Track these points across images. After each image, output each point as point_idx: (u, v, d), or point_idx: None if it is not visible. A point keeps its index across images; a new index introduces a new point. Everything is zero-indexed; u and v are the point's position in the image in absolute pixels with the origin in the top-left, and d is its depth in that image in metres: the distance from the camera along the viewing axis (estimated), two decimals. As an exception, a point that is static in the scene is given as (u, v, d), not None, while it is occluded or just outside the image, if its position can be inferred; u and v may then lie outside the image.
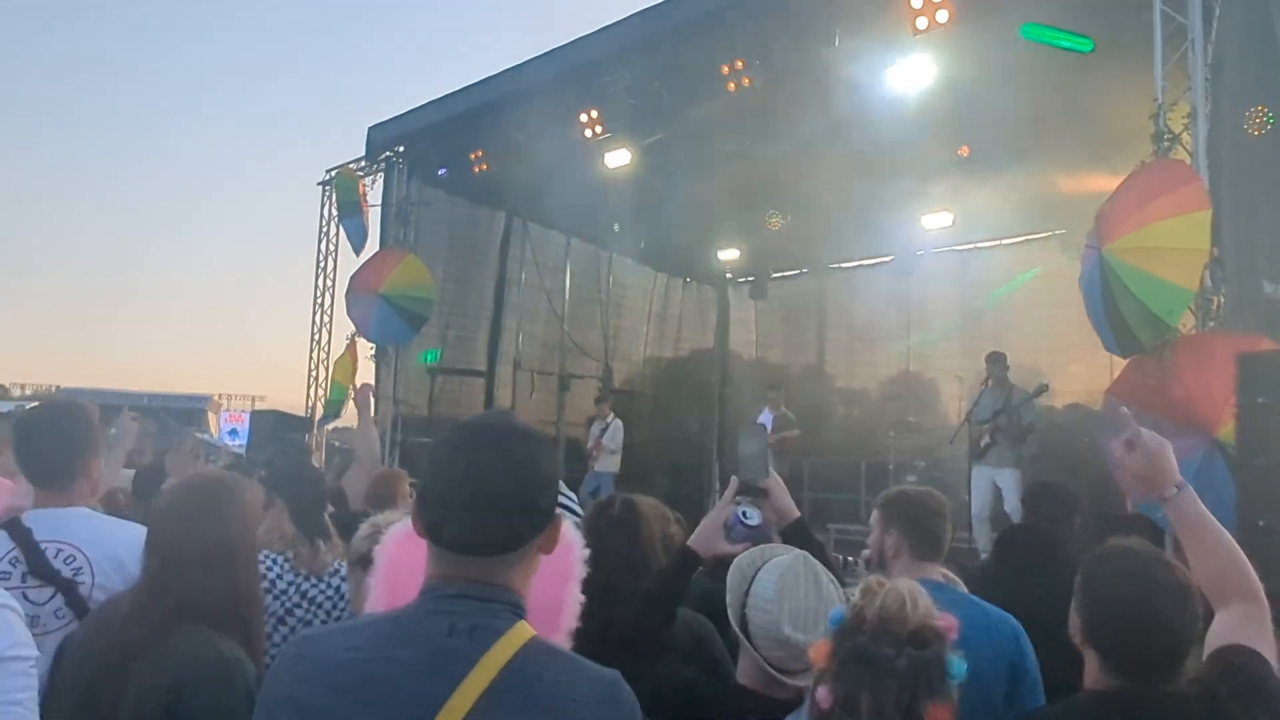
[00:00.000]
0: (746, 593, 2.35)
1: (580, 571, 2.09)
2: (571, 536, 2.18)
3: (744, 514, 3.00)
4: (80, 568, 2.63)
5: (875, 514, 3.27)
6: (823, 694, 1.71)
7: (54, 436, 2.83)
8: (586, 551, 2.18)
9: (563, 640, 1.84)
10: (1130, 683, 2.03)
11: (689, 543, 2.88)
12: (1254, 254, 6.92)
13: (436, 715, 1.41)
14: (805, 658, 2.19)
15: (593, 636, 2.77)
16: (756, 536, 2.89)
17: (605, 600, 2.87)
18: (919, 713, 1.64)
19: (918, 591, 1.76)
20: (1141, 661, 2.02)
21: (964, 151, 11.36)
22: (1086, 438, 9.34)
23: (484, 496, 1.54)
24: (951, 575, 3.24)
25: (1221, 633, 2.09)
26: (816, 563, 2.37)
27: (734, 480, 3.12)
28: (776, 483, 3.09)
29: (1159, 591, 2.00)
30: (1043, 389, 9.85)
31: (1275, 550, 4.42)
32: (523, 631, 1.53)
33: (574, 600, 2.04)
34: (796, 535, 3.03)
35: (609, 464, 12.69)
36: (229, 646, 2.13)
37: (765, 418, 12.01)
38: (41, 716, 2.17)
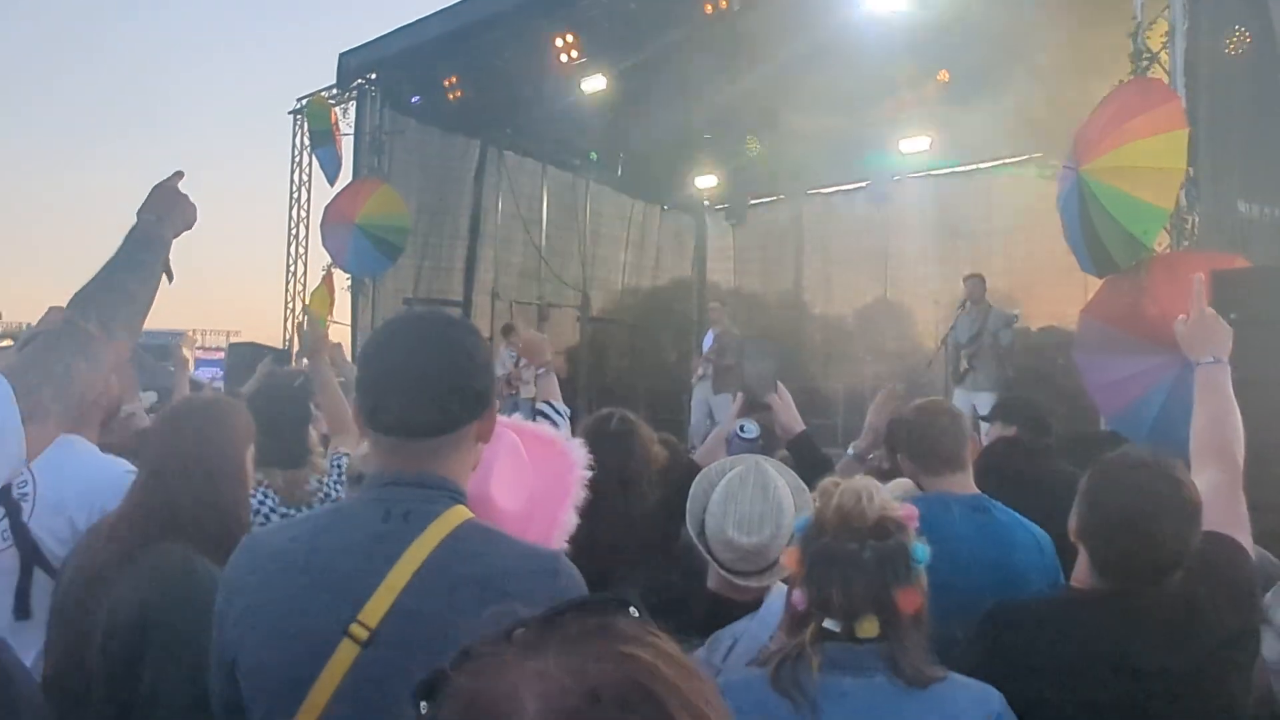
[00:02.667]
0: (708, 499, 2.42)
1: (579, 493, 2.12)
2: (574, 457, 2.21)
3: (741, 428, 3.10)
4: (26, 494, 2.63)
5: None
6: (797, 596, 1.78)
7: None
8: (587, 476, 2.22)
9: None
10: (1117, 585, 2.09)
11: (694, 457, 2.95)
12: (1230, 173, 6.96)
13: (374, 592, 1.47)
14: (754, 560, 2.28)
15: (580, 543, 2.86)
16: (753, 449, 2.97)
17: (593, 509, 2.95)
18: (889, 600, 1.71)
19: (872, 486, 1.83)
20: (1132, 570, 2.07)
21: (943, 77, 11.31)
22: (1060, 358, 9.44)
23: (416, 378, 1.59)
24: None
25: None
26: (769, 470, 2.42)
27: (740, 396, 3.20)
28: (781, 398, 3.15)
29: (1161, 508, 2.02)
30: (1014, 318, 9.96)
31: (1245, 463, 4.49)
32: (459, 514, 1.57)
33: (568, 520, 2.08)
34: (802, 448, 3.11)
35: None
36: (204, 564, 2.14)
37: (709, 339, 11.97)
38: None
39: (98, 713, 2.06)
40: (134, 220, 1.93)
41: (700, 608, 2.37)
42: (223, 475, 2.30)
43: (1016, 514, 2.93)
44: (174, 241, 2.00)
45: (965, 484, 2.96)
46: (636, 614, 0.81)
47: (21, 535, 2.59)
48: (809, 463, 2.95)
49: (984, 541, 2.77)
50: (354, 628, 1.46)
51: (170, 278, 2.01)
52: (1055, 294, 11.51)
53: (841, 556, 1.74)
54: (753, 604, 2.16)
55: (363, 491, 1.65)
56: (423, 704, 0.76)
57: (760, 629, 1.96)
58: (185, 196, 2.03)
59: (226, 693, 1.58)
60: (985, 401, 9.65)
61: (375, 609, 1.46)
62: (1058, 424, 4.79)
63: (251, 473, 2.39)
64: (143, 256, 1.89)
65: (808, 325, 16.39)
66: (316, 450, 3.39)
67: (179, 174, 2.05)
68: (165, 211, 1.97)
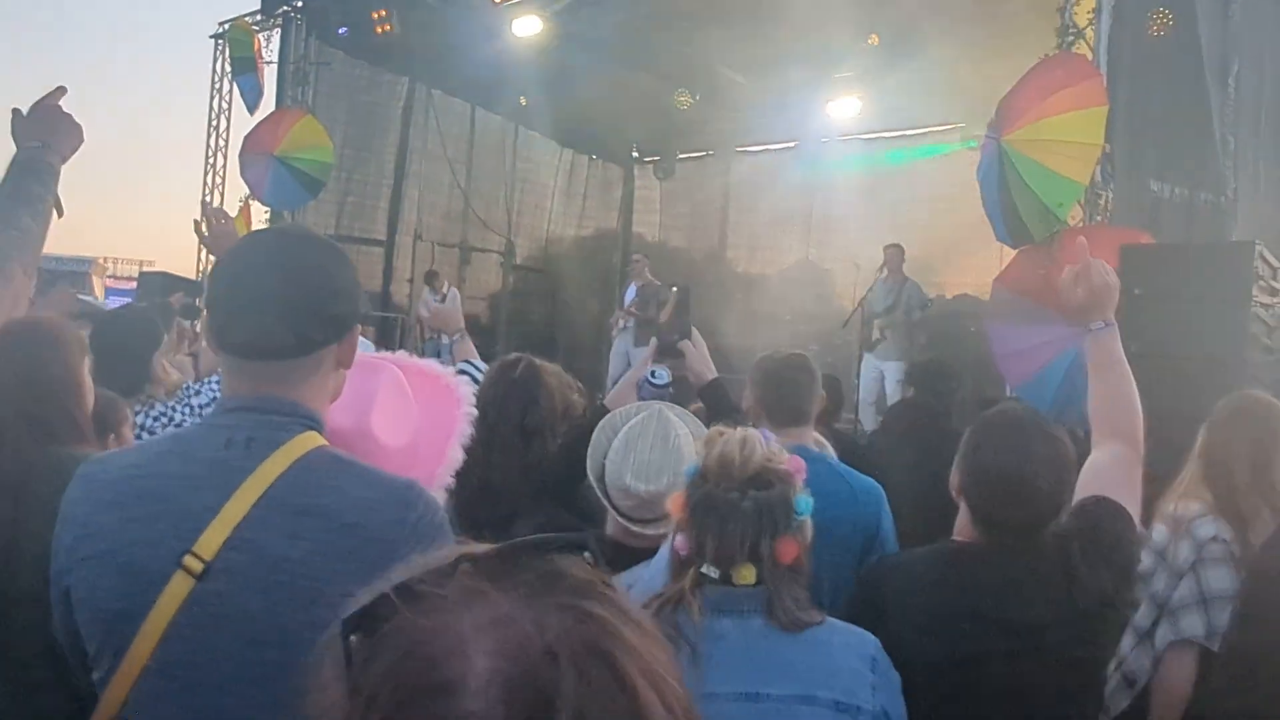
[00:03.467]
0: (609, 446, 2.43)
1: (465, 429, 2.09)
2: (461, 393, 2.18)
3: (653, 374, 3.09)
4: None
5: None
6: (680, 542, 1.81)
7: None
8: (474, 412, 2.19)
9: (434, 493, 1.80)
10: (995, 539, 2.16)
11: (604, 401, 2.95)
12: (1144, 152, 7.12)
13: (209, 525, 1.40)
14: (652, 508, 2.31)
15: (472, 486, 2.85)
16: (664, 395, 2.97)
17: (488, 454, 2.94)
18: (767, 549, 1.74)
19: (755, 437, 1.85)
20: (1009, 523, 2.14)
21: (873, 40, 11.35)
22: (973, 326, 9.64)
23: (266, 297, 1.51)
24: (822, 440, 3.23)
25: (1094, 472, 2.23)
26: (672, 419, 2.44)
27: (654, 341, 3.21)
28: (693, 346, 3.16)
29: (1036, 463, 2.10)
30: (928, 303, 10.18)
31: (1147, 432, 4.63)
32: (307, 441, 1.50)
33: (455, 456, 2.04)
34: (712, 395, 3.14)
35: None
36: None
37: (630, 291, 11.95)
38: None
39: (32, 633, 1.99)
40: (14, 145, 1.83)
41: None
42: (62, 390, 2.26)
43: (835, 463, 3.03)
44: (75, 166, 1.91)
45: (800, 437, 3.01)
46: (590, 560, 0.73)
47: None
48: (720, 410, 2.98)
49: None
50: (188, 560, 1.39)
51: (60, 211, 1.91)
52: (972, 263, 11.70)
53: (721, 504, 1.76)
54: (649, 551, 2.18)
55: (207, 417, 1.58)
56: (352, 638, 0.67)
57: (655, 576, 1.98)
58: (69, 116, 1.91)
59: (65, 622, 1.53)
60: (892, 369, 9.87)
61: (211, 541, 1.40)
62: (965, 389, 4.91)
63: (90, 386, 2.34)
64: (34, 189, 1.80)
65: (730, 282, 16.46)
66: (163, 378, 3.34)
67: (61, 89, 1.92)
68: (50, 136, 1.87)
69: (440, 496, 1.88)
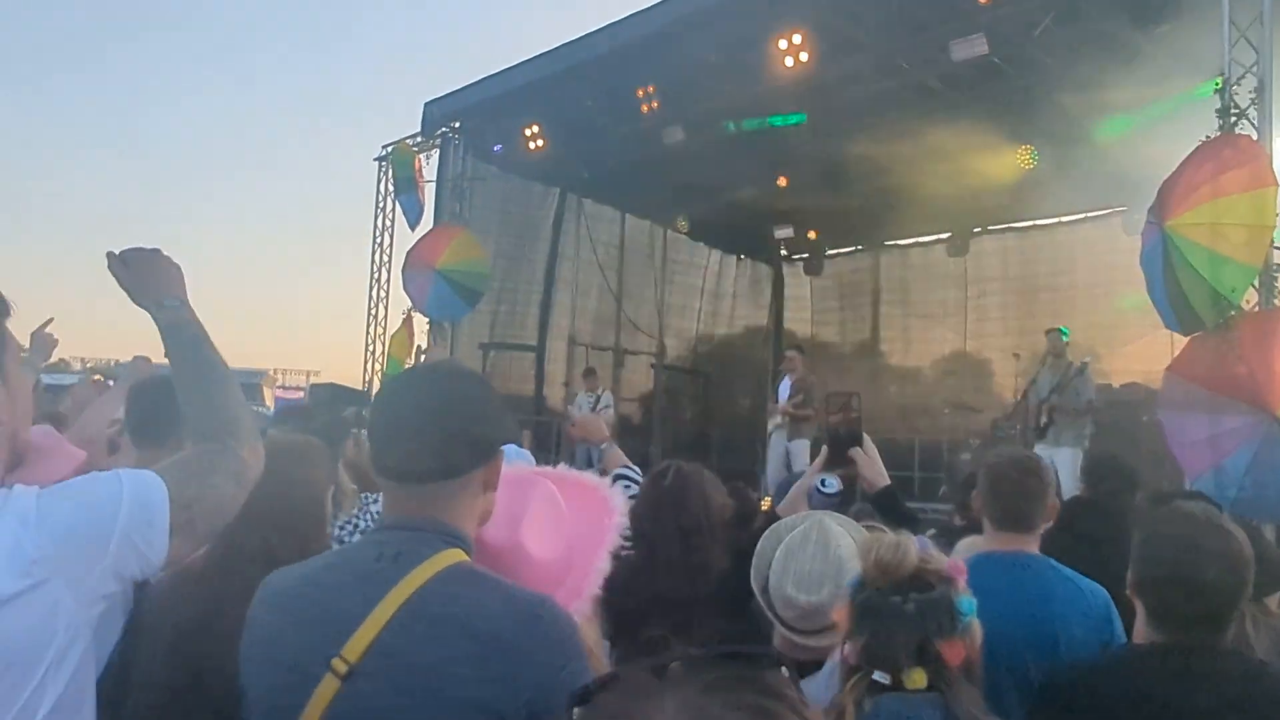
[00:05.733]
0: (772, 556, 2.42)
1: (614, 540, 2.10)
2: (614, 504, 2.20)
3: (823, 482, 3.10)
4: None
5: None
6: (848, 650, 1.81)
7: None
8: (624, 521, 2.20)
9: (583, 603, 1.90)
10: (1172, 638, 2.13)
11: (777, 509, 2.94)
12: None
13: (356, 630, 1.53)
14: (814, 619, 2.28)
15: (643, 599, 2.85)
16: (832, 504, 2.96)
17: (653, 565, 2.95)
18: (934, 651, 1.71)
19: (908, 541, 1.84)
20: (1183, 621, 2.12)
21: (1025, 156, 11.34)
22: (1145, 416, 9.22)
23: (415, 426, 1.66)
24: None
25: None
26: (833, 528, 2.42)
27: (824, 449, 3.19)
28: (863, 453, 3.13)
29: (1207, 559, 2.08)
30: (1084, 365, 9.76)
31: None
32: (449, 556, 1.61)
33: (600, 568, 2.05)
34: (884, 503, 3.09)
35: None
36: None
37: (784, 386, 11.85)
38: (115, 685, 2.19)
39: None
40: (125, 293, 1.88)
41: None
42: (306, 518, 2.27)
43: (1060, 567, 2.89)
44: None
45: (1022, 544, 2.91)
46: (785, 673, 0.87)
47: None
48: (893, 518, 2.92)
49: (1017, 595, 2.74)
50: (335, 662, 1.52)
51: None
52: (1139, 350, 11.28)
53: (883, 609, 1.76)
54: (815, 665, 2.14)
55: (367, 534, 1.74)
56: (575, 710, 0.84)
57: (819, 691, 1.94)
58: (169, 259, 1.95)
59: None
60: (1065, 458, 9.41)
61: (356, 645, 1.52)
62: (1143, 486, 4.67)
63: (330, 513, 2.41)
64: (209, 355, 1.87)
65: (884, 376, 16.25)
66: (347, 489, 3.44)
67: (156, 251, 1.96)
68: (169, 287, 1.90)
69: (587, 605, 1.93)
